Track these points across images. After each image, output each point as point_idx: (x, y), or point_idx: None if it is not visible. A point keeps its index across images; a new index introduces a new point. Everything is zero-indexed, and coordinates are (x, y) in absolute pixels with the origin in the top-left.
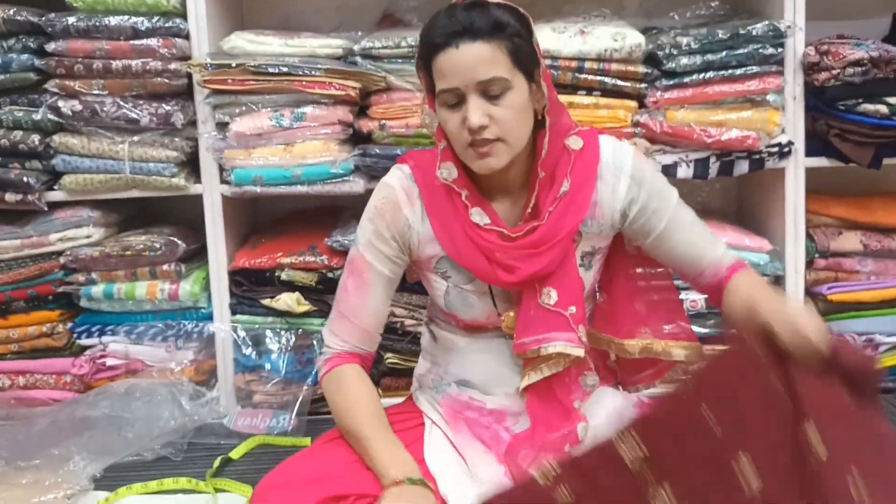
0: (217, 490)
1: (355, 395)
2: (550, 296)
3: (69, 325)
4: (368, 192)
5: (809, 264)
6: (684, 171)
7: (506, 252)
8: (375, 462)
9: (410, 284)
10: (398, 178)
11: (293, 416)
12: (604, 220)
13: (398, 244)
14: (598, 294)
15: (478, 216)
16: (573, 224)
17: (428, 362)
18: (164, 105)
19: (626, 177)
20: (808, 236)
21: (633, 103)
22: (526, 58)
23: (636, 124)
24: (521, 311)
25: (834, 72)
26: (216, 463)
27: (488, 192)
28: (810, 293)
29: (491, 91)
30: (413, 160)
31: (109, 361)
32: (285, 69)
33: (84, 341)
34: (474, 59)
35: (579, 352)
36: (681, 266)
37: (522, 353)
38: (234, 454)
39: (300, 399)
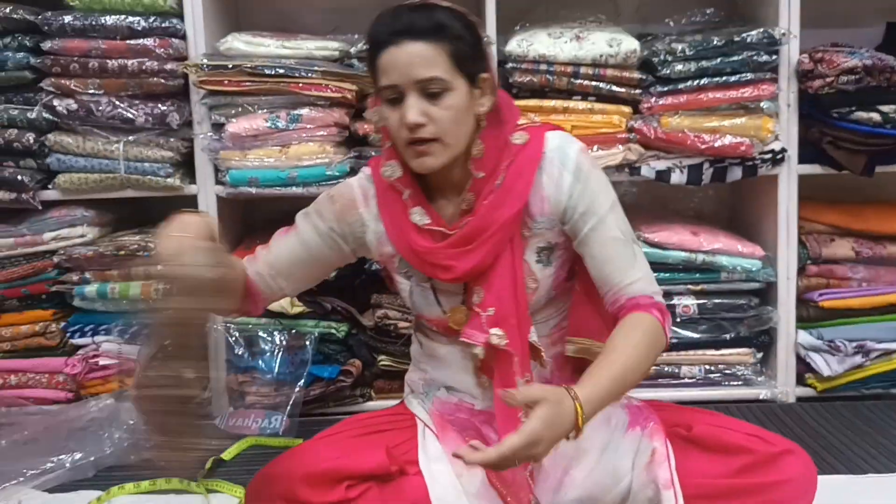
0: (209, 490)
1: None
2: (480, 295)
3: (62, 324)
4: None
5: (801, 271)
6: (678, 177)
7: (439, 252)
8: None
9: None
10: (358, 179)
11: (285, 417)
12: (553, 216)
13: (336, 233)
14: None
15: (418, 216)
16: (507, 216)
17: (417, 368)
18: (159, 105)
19: (568, 172)
20: (801, 243)
21: (628, 109)
22: (468, 62)
23: (631, 130)
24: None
25: (828, 79)
26: (208, 464)
27: (433, 190)
28: (802, 299)
29: (430, 90)
30: (374, 162)
31: (102, 361)
32: (282, 70)
33: (77, 340)
34: (414, 57)
35: (476, 350)
36: (595, 283)
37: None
38: (227, 455)
39: (292, 400)
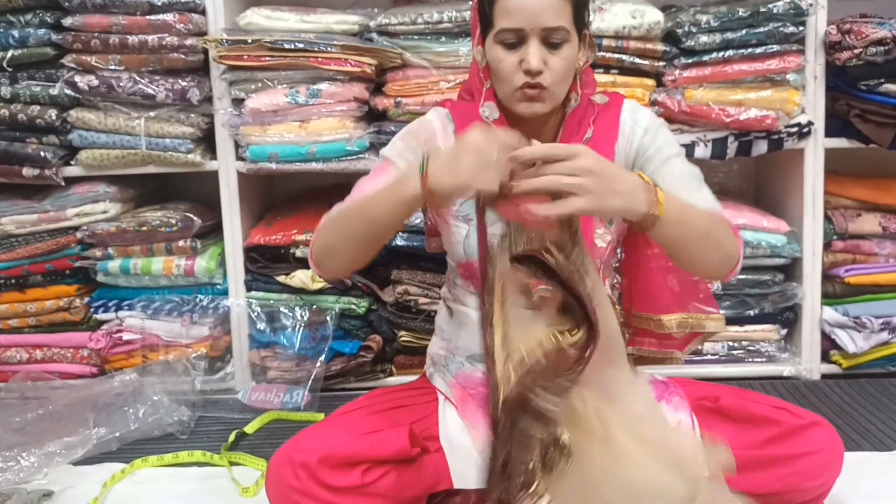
0: (232, 463)
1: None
2: None
3: (86, 299)
4: None
5: (827, 246)
6: (702, 151)
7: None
8: (386, 191)
9: (424, 262)
10: (436, 114)
11: (306, 392)
12: (624, 167)
13: None
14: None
15: None
16: None
17: (441, 339)
18: (179, 81)
19: (640, 128)
20: (827, 218)
21: (651, 81)
22: (583, 16)
23: (654, 103)
24: None
25: (856, 51)
26: (231, 437)
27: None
28: (827, 275)
29: (552, 39)
30: (450, 104)
31: (126, 336)
32: (301, 45)
33: (101, 316)
34: (544, 5)
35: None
36: None
37: None
38: (249, 428)
39: (313, 375)
